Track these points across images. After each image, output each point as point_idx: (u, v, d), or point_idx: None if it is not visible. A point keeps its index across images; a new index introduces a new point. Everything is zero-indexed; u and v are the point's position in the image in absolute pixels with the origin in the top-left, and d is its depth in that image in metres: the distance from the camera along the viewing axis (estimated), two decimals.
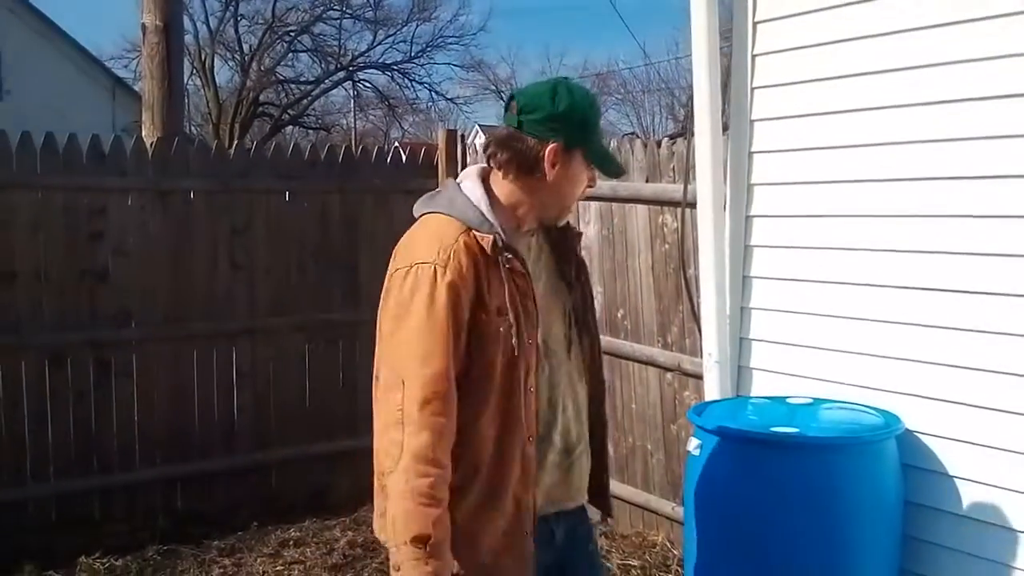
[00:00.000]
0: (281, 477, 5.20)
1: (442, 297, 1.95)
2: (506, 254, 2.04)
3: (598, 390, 2.35)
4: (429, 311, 1.95)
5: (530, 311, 2.08)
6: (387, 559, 2.08)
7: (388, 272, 2.06)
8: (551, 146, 2.07)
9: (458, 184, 2.15)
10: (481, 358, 2.01)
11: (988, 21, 2.71)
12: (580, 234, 2.40)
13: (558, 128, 2.07)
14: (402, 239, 2.12)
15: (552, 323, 2.23)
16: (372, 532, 4.88)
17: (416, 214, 2.14)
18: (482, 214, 2.06)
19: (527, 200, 2.12)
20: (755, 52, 3.41)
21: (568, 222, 2.32)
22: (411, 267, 1.99)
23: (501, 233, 2.05)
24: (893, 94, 2.98)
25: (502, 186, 2.13)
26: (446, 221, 2.05)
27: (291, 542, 4.64)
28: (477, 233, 2.02)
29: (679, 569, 3.59)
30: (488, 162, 2.16)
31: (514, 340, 2.02)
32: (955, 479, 2.84)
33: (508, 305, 2.01)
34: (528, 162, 2.09)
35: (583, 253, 2.48)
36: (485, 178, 2.14)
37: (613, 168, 2.22)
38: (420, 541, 1.93)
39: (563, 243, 2.31)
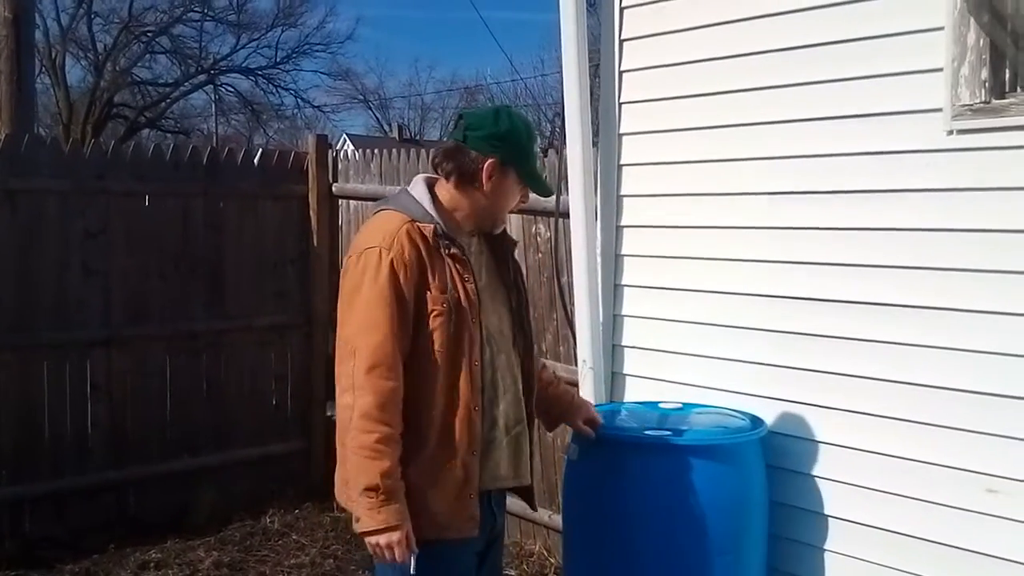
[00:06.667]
0: (140, 496, 4.95)
1: (384, 273, 2.25)
2: (445, 241, 2.34)
3: (530, 385, 2.55)
4: (373, 286, 2.25)
5: (470, 293, 2.36)
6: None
7: (344, 262, 2.39)
8: (489, 160, 2.39)
9: (407, 189, 2.47)
10: (428, 331, 2.29)
11: (853, 43, 2.84)
12: (515, 242, 2.65)
13: (497, 146, 2.39)
14: (356, 235, 2.47)
15: (491, 316, 2.45)
16: (238, 551, 4.77)
17: (371, 214, 2.48)
18: (425, 209, 2.37)
19: (466, 206, 2.43)
20: (622, 69, 3.50)
21: (504, 230, 2.58)
22: (361, 253, 2.31)
23: (441, 224, 2.36)
24: (754, 111, 3.10)
25: (445, 192, 2.44)
26: (392, 215, 2.37)
27: (151, 564, 4.43)
28: (419, 224, 2.33)
29: None
30: (436, 171, 2.47)
31: (453, 316, 2.30)
32: (816, 479, 2.97)
33: (449, 284, 2.31)
34: (469, 173, 2.40)
35: None
36: (431, 185, 2.45)
37: (542, 188, 2.55)
38: (371, 490, 2.20)
39: (500, 249, 2.56)
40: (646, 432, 2.92)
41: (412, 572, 2.25)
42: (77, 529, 4.64)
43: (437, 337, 2.30)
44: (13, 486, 4.59)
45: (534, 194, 2.58)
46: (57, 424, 4.72)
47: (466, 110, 2.61)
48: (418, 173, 4.99)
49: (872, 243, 2.84)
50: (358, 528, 2.26)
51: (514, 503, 4.36)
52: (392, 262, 2.26)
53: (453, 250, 2.35)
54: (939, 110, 2.67)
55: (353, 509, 2.26)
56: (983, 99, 2.59)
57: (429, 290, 2.29)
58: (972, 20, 2.59)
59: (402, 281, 2.26)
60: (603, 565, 2.80)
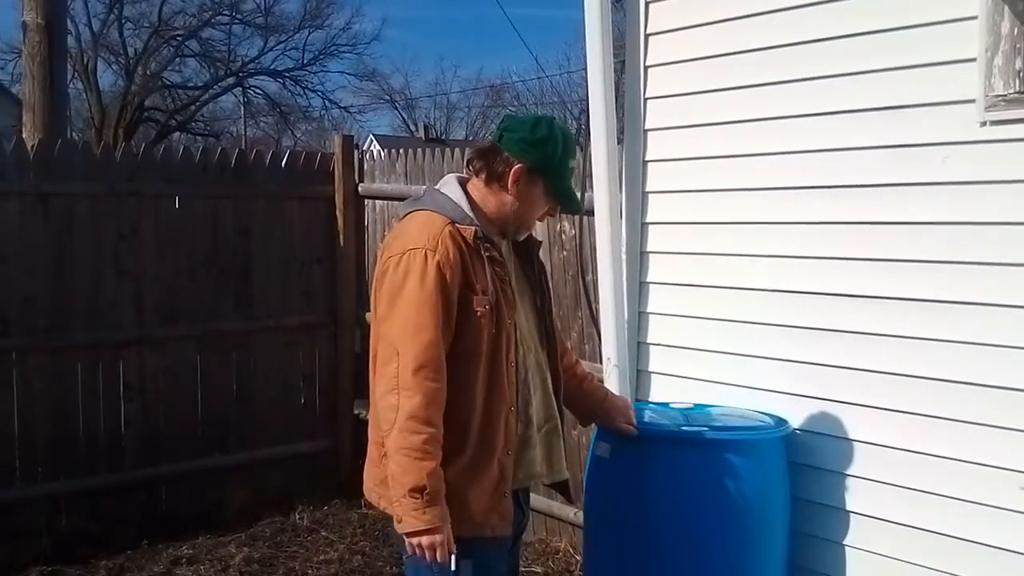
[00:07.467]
0: (172, 492, 5.02)
1: (431, 276, 2.27)
2: (486, 243, 2.36)
3: (558, 383, 2.59)
4: (420, 288, 2.26)
5: (508, 294, 2.40)
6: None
7: (380, 260, 2.38)
8: (518, 165, 2.41)
9: (438, 188, 2.47)
10: (470, 332, 2.32)
11: (884, 34, 2.82)
12: (540, 242, 2.67)
13: (528, 151, 2.41)
14: (391, 233, 2.47)
15: (520, 316, 2.48)
16: (268, 547, 4.81)
17: (402, 213, 2.49)
18: (463, 211, 2.39)
19: (493, 207, 2.45)
20: (647, 64, 3.48)
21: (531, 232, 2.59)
22: (404, 253, 2.30)
23: (480, 227, 2.37)
24: (779, 106, 3.08)
25: (476, 191, 2.46)
26: (432, 216, 2.37)
27: (183, 560, 4.49)
28: (460, 225, 2.34)
29: (581, 574, 3.63)
30: (468, 168, 2.50)
31: (494, 317, 2.33)
32: (840, 475, 2.95)
33: (490, 286, 2.34)
34: (496, 173, 2.43)
35: None
36: (463, 184, 2.47)
37: (569, 204, 2.55)
38: (416, 491, 2.20)
39: (525, 249, 2.59)
40: (669, 429, 2.92)
41: (453, 570, 2.27)
42: (111, 525, 4.70)
43: (479, 338, 2.32)
44: (49, 483, 4.67)
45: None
46: (91, 423, 4.79)
47: (511, 114, 2.70)
48: (443, 172, 5.08)
49: (902, 238, 2.81)
50: (401, 529, 2.26)
51: (539, 500, 4.40)
52: (439, 264, 2.27)
53: (492, 252, 2.38)
54: (972, 101, 2.62)
55: (395, 509, 2.27)
56: (1017, 89, 2.54)
57: (473, 292, 2.32)
58: (1006, 8, 2.53)
59: (448, 283, 2.28)
60: (624, 559, 2.81)
